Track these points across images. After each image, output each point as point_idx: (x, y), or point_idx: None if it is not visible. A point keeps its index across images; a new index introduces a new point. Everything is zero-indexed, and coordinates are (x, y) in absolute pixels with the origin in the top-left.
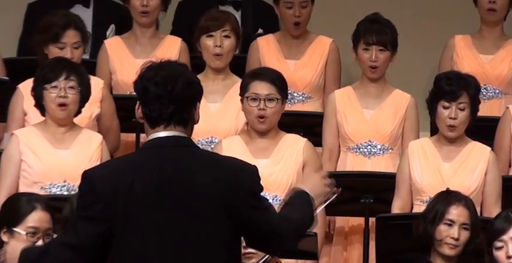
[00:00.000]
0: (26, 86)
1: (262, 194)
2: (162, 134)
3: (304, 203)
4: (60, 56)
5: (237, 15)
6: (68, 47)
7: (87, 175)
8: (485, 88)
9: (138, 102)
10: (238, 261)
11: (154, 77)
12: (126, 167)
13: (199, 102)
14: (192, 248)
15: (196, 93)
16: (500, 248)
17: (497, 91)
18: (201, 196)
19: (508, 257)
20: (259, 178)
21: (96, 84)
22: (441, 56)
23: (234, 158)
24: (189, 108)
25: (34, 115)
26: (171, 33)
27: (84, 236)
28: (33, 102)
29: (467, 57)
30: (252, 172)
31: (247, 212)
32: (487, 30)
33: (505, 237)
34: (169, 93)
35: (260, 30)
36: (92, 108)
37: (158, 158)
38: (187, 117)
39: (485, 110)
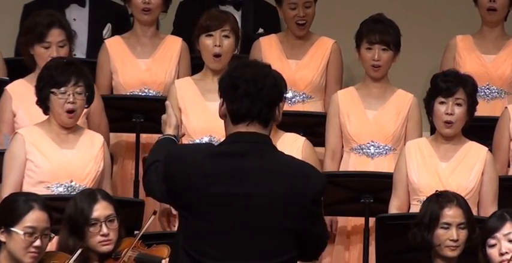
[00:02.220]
0: (13, 87)
1: None
2: (244, 129)
3: None
4: (65, 57)
5: (238, 15)
6: (53, 46)
7: (173, 150)
8: (488, 88)
9: (221, 100)
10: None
11: (243, 74)
12: (203, 157)
13: (282, 102)
14: (250, 244)
15: (281, 93)
16: (493, 245)
17: (500, 91)
18: (265, 196)
19: (501, 254)
20: (325, 186)
21: None
22: (443, 57)
23: (308, 164)
24: (274, 107)
25: (23, 116)
26: (172, 34)
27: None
28: (21, 103)
29: (469, 57)
30: (320, 180)
31: (304, 218)
32: (487, 30)
33: (498, 234)
34: (260, 91)
35: (261, 30)
36: None
37: (234, 152)
38: (271, 116)
39: (488, 110)
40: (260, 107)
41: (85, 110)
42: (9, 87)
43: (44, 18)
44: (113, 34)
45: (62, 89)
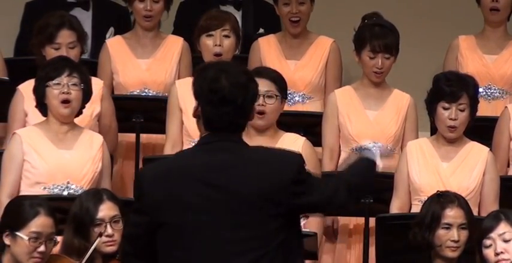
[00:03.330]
0: (26, 87)
1: None
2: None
3: (366, 166)
4: (61, 55)
5: (238, 15)
6: (63, 47)
7: (139, 174)
8: (489, 88)
9: (197, 102)
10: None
11: (222, 88)
12: (175, 166)
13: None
14: (240, 239)
15: (257, 96)
16: (489, 246)
17: (501, 91)
18: (245, 191)
19: (496, 254)
20: (302, 164)
21: (96, 83)
22: (446, 57)
23: (279, 149)
24: (251, 114)
25: (34, 116)
26: (172, 34)
27: (131, 226)
28: (33, 103)
29: (471, 57)
30: (293, 160)
31: (294, 199)
32: (490, 30)
33: (492, 235)
34: (238, 109)
35: (261, 30)
36: (92, 107)
37: (207, 154)
38: (246, 123)
39: (490, 110)
40: (238, 122)
41: (97, 111)
42: (22, 87)
43: (55, 19)
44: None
45: (56, 80)
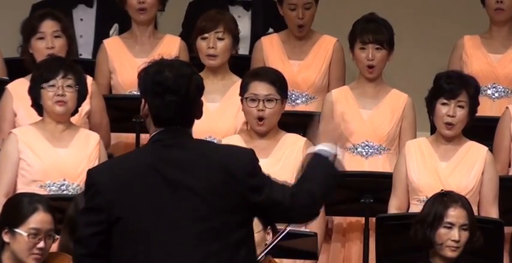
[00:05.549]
0: (14, 86)
1: None
2: (167, 129)
3: (321, 165)
4: (56, 55)
5: (247, 15)
6: (47, 37)
7: (89, 173)
8: (494, 87)
9: (143, 100)
10: (251, 244)
11: (165, 81)
12: (127, 163)
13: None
14: (198, 238)
15: (202, 93)
16: None
17: (506, 90)
18: (202, 187)
19: None
20: (256, 160)
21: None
22: (450, 57)
23: (230, 145)
24: (197, 108)
25: (23, 116)
26: (181, 35)
27: (85, 227)
28: (22, 103)
29: (476, 56)
30: (247, 154)
31: (250, 193)
32: (495, 29)
33: None
34: (183, 99)
35: (270, 30)
36: (81, 105)
37: (160, 152)
38: (194, 117)
39: (494, 109)
40: (184, 113)
41: (87, 109)
42: (10, 87)
43: (38, 13)
44: (119, 34)
45: (51, 82)
